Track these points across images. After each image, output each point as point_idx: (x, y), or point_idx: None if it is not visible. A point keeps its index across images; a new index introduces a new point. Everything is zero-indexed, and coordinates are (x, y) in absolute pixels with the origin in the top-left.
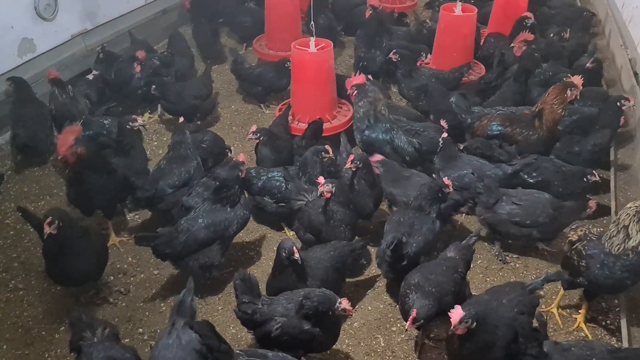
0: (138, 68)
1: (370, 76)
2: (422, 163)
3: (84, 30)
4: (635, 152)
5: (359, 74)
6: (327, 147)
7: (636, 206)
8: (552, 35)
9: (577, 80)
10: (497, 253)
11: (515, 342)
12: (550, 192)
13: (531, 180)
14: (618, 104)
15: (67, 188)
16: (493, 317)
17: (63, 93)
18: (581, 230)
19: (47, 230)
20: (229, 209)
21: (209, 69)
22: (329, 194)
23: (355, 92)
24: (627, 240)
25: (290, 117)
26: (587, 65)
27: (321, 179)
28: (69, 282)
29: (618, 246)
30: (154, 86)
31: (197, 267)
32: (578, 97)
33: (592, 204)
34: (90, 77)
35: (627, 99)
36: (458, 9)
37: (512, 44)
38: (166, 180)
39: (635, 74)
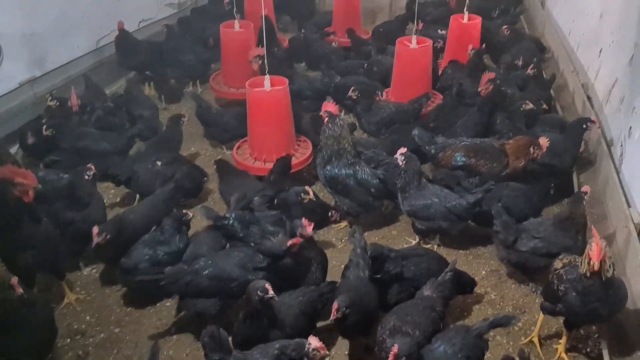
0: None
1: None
2: (389, 195)
3: (32, 77)
4: (596, 174)
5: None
6: (307, 188)
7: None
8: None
9: (543, 141)
10: (533, 290)
11: None
12: (514, 216)
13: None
14: (584, 126)
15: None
16: None
17: None
18: (567, 259)
19: None
20: None
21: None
22: (297, 246)
23: (327, 118)
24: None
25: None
26: (528, 71)
27: (305, 222)
28: None
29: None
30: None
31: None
32: (539, 156)
33: (586, 188)
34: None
35: (592, 121)
36: (413, 42)
37: (479, 88)
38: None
39: (589, 97)
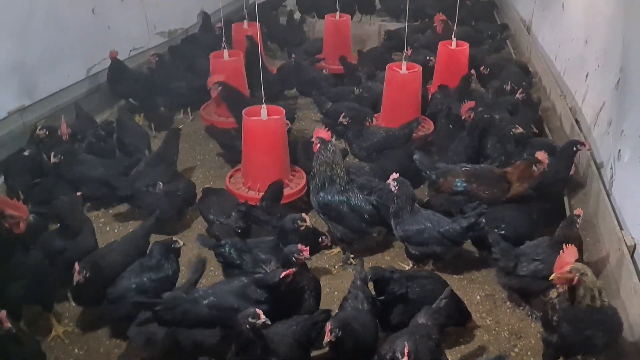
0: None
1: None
2: (382, 221)
3: (21, 106)
4: (587, 197)
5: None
6: (303, 215)
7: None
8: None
9: (542, 155)
10: (529, 314)
11: None
12: (509, 240)
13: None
14: (574, 148)
15: None
16: None
17: None
18: (562, 288)
19: None
20: None
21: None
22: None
23: (318, 144)
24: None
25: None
26: (517, 95)
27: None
28: None
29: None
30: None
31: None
32: (542, 170)
33: (578, 211)
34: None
35: (582, 144)
36: (403, 67)
37: (463, 117)
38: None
39: (577, 121)
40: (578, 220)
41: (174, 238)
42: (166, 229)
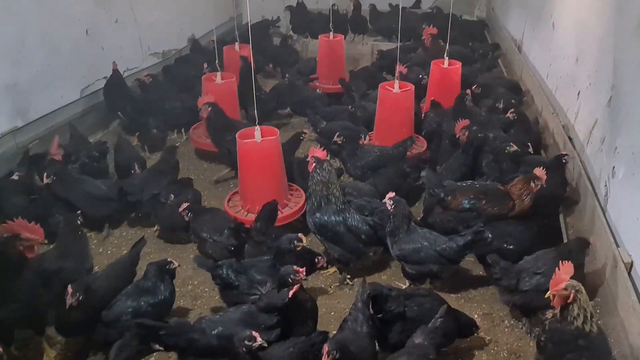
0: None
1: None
2: (379, 241)
3: (14, 127)
4: (582, 215)
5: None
6: (300, 235)
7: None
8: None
9: (540, 172)
10: (528, 332)
11: None
12: (508, 258)
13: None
14: (562, 161)
15: None
16: None
17: None
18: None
19: None
20: None
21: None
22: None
23: (314, 163)
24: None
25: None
26: (508, 115)
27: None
28: None
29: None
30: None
31: None
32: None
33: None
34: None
35: (566, 154)
36: (396, 86)
37: (457, 135)
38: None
39: (570, 138)
40: (588, 250)
41: (168, 259)
42: (173, 240)
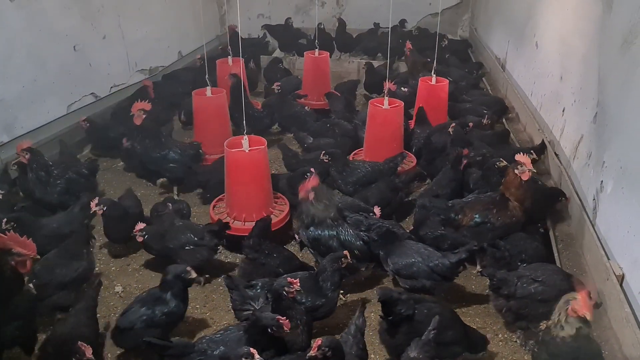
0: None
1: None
2: (372, 257)
3: None
4: (571, 229)
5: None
6: (345, 252)
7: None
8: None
9: (521, 157)
10: (522, 344)
11: None
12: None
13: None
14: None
15: None
16: None
17: None
18: (551, 321)
19: None
20: None
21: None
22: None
23: (314, 195)
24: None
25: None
26: (483, 121)
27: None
28: None
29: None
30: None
31: None
32: (532, 172)
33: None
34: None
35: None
36: (385, 103)
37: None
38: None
39: (556, 154)
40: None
41: (187, 267)
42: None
